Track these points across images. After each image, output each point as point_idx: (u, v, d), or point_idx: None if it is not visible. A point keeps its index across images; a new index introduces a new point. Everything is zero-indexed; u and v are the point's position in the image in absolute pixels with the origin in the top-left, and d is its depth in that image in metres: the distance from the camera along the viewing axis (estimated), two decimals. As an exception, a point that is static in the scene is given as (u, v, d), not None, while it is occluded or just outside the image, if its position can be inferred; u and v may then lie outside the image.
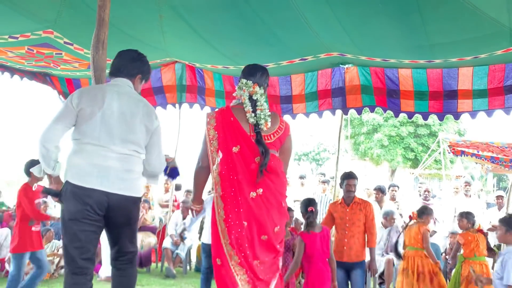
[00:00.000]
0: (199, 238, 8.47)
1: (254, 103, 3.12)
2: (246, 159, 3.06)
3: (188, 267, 7.89)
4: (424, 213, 5.16)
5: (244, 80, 3.21)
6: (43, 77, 6.01)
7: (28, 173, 4.92)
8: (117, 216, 2.94)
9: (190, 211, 3.59)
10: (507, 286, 3.85)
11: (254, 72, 3.26)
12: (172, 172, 3.39)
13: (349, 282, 4.93)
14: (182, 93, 6.11)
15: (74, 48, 4.55)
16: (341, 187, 5.13)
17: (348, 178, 5.02)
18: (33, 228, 5.03)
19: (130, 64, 3.14)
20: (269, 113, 3.13)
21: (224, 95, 5.90)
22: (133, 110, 3.01)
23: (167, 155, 3.32)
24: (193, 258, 8.19)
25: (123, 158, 2.92)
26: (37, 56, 4.90)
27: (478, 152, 10.58)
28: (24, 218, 4.95)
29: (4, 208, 8.78)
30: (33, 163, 4.80)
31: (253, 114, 3.10)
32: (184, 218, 7.59)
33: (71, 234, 2.84)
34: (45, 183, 3.91)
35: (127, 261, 3.08)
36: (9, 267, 7.01)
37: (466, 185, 8.73)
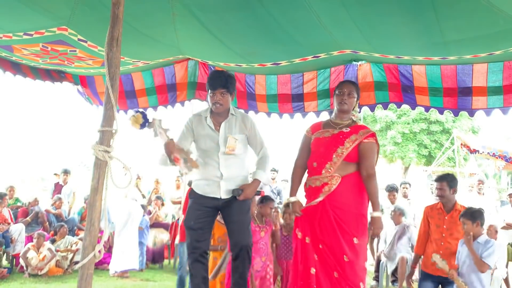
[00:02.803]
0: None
1: None
2: None
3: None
4: None
5: None
6: (58, 75, 6.06)
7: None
8: None
9: None
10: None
11: None
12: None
13: None
14: (192, 90, 6.07)
15: (88, 45, 4.57)
16: None
17: (436, 180, 4.60)
18: None
19: None
20: None
21: (235, 94, 5.84)
22: None
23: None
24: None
25: None
26: (52, 53, 4.94)
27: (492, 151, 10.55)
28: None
29: (19, 203, 8.87)
30: None
31: None
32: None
33: None
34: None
35: None
36: (23, 262, 7.09)
37: (479, 183, 8.69)
